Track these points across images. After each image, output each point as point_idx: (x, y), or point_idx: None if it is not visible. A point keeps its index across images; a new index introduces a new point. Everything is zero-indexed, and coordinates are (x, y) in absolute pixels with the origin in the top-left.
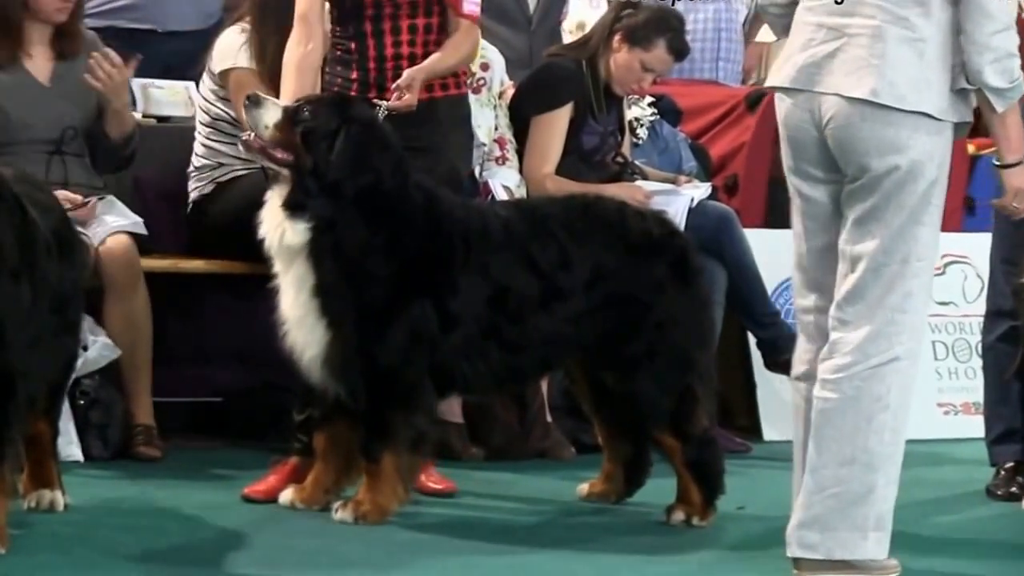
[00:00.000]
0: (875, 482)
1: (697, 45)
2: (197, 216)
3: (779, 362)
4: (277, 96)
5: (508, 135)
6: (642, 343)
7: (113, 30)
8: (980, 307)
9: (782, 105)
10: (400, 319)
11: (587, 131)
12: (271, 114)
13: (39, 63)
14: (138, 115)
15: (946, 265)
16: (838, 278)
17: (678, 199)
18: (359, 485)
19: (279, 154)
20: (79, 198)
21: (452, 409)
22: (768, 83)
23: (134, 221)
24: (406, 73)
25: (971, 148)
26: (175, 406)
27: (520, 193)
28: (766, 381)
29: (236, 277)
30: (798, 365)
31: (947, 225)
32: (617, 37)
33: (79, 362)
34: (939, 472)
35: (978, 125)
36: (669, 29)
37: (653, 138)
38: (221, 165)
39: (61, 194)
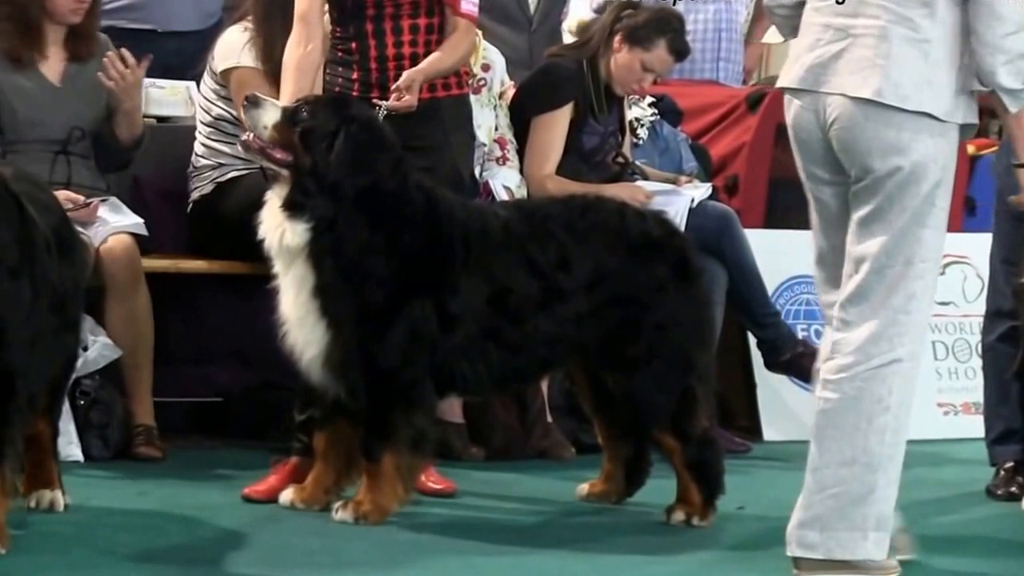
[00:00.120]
0: (875, 483)
1: (698, 45)
2: (197, 216)
3: (779, 362)
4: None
5: (508, 135)
6: (642, 343)
7: (113, 30)
8: (980, 307)
9: (791, 106)
10: (400, 319)
11: (588, 131)
12: (270, 114)
13: (52, 64)
14: None
15: (946, 265)
16: (843, 279)
17: (678, 199)
18: (359, 485)
19: (278, 154)
20: (81, 198)
21: (452, 409)
22: (778, 84)
23: (135, 222)
24: (405, 74)
25: (971, 148)
26: (175, 406)
27: (520, 193)
28: (766, 381)
29: (236, 277)
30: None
31: (947, 225)
32: (618, 37)
33: (79, 362)
34: (939, 472)
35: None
36: (669, 29)
37: (654, 138)
38: (221, 165)
39: (63, 194)
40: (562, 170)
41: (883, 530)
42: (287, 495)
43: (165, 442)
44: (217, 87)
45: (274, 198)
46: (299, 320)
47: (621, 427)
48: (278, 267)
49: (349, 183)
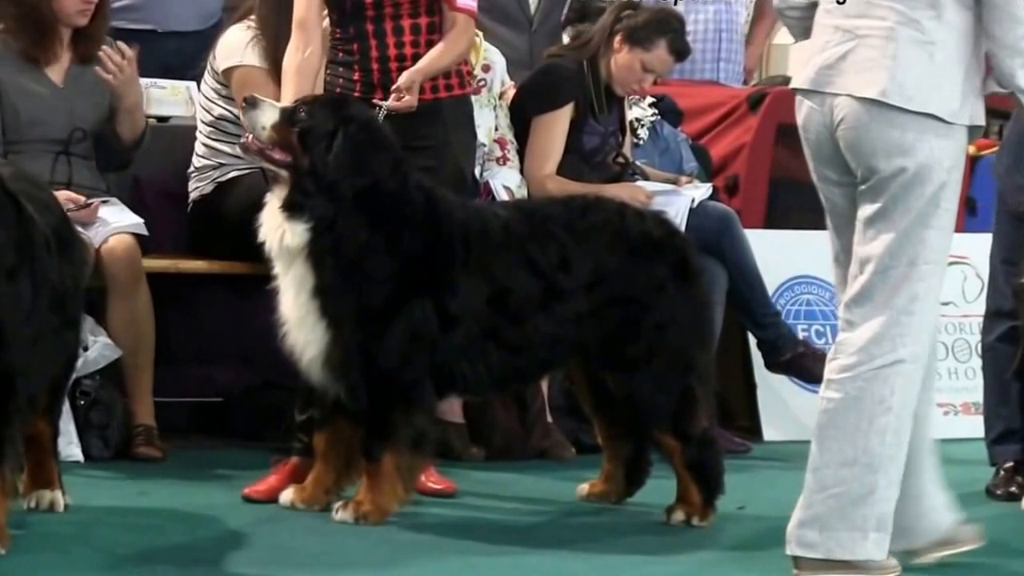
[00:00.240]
0: (876, 483)
1: (698, 46)
2: (198, 216)
3: (779, 362)
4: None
5: (509, 135)
6: (642, 344)
7: (113, 30)
8: (980, 307)
9: (801, 107)
10: (400, 319)
11: (588, 131)
12: (268, 115)
13: (56, 64)
14: None
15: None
16: (849, 279)
17: (679, 199)
18: (359, 485)
19: (277, 155)
20: (82, 199)
21: (452, 409)
22: (791, 85)
23: (136, 222)
24: (405, 75)
25: (972, 149)
26: (176, 406)
27: (521, 193)
28: (766, 381)
29: (237, 277)
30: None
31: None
32: (618, 38)
33: (79, 362)
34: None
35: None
36: (670, 30)
37: (654, 138)
38: (222, 165)
39: (64, 194)
40: (562, 170)
41: (883, 530)
42: (287, 495)
43: (165, 442)
44: (218, 87)
45: (274, 199)
46: (299, 320)
47: (621, 427)
48: (278, 268)
49: (348, 183)
